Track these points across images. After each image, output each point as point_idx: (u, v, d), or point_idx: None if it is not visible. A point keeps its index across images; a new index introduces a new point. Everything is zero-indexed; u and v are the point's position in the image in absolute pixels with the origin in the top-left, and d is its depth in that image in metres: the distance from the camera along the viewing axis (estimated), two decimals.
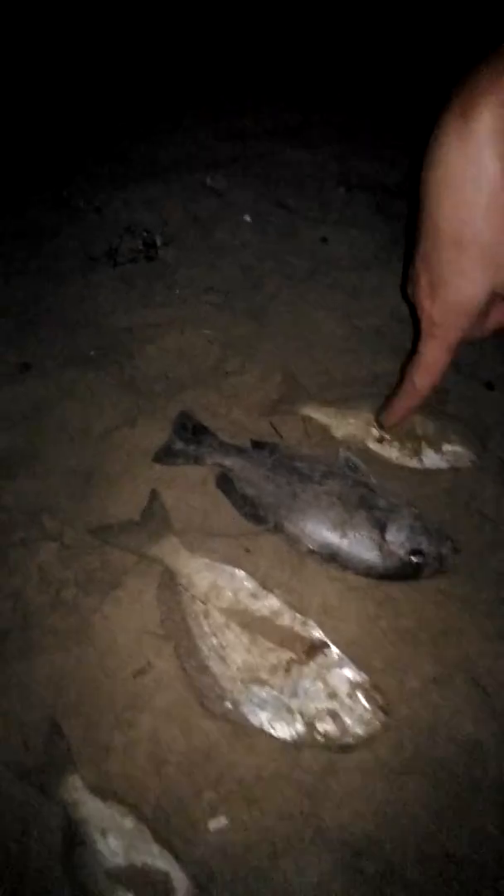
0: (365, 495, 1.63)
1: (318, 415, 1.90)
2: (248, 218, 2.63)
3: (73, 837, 1.16)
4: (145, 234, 2.53)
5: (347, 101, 3.60)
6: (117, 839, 1.15)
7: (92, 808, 1.19)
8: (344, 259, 2.47)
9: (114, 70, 3.97)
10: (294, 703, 1.32)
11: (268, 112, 3.51)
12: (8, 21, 4.11)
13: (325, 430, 1.88)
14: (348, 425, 1.86)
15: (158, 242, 2.50)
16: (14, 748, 1.28)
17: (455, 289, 1.31)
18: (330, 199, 2.82)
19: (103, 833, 1.16)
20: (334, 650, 1.37)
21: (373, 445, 1.83)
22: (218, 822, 1.21)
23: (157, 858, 1.13)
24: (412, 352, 1.55)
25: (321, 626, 1.41)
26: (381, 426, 1.81)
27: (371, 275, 2.38)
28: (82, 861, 1.14)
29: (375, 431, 1.83)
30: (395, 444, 1.81)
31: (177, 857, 1.16)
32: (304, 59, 4.04)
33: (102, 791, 1.23)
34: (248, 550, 1.59)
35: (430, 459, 1.79)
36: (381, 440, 1.82)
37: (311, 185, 2.89)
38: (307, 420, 1.90)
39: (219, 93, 3.71)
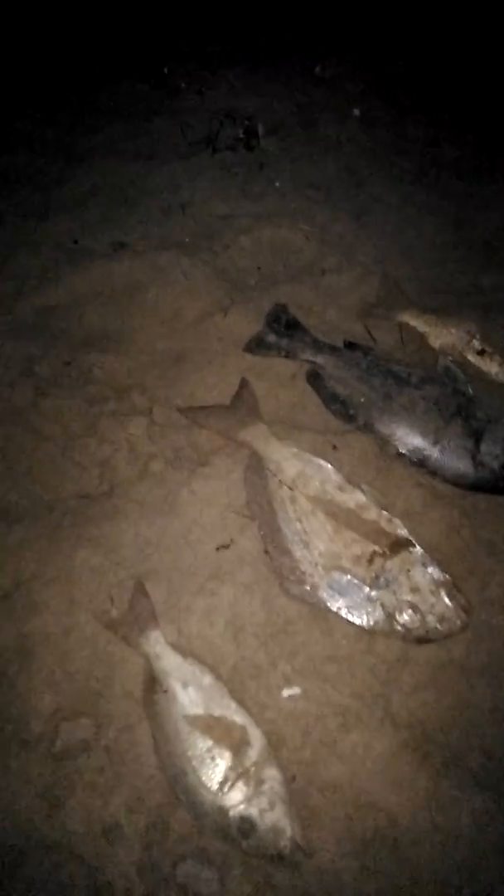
0: (462, 404, 1.58)
1: (417, 322, 1.82)
2: (356, 112, 2.47)
3: (155, 685, 1.22)
4: (247, 121, 2.41)
5: None
6: (197, 692, 1.20)
7: (173, 662, 1.24)
8: (456, 165, 2.30)
9: None
10: (374, 593, 1.32)
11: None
12: None
13: (422, 337, 1.80)
14: (448, 335, 1.78)
15: (260, 131, 2.38)
16: (102, 601, 1.33)
17: None
18: (447, 98, 2.61)
19: (184, 685, 1.21)
20: (419, 549, 1.36)
21: (472, 358, 1.75)
22: (291, 691, 1.25)
23: (235, 713, 1.18)
24: None
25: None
26: None
27: (485, 184, 2.22)
28: (163, 707, 1.19)
29: (476, 343, 1.75)
30: (497, 357, 1.73)
31: (251, 716, 1.20)
32: None
33: (182, 649, 1.27)
34: (335, 447, 1.57)
35: None
36: (481, 352, 1.74)
37: (428, 82, 2.68)
38: (404, 326, 1.83)
39: None
